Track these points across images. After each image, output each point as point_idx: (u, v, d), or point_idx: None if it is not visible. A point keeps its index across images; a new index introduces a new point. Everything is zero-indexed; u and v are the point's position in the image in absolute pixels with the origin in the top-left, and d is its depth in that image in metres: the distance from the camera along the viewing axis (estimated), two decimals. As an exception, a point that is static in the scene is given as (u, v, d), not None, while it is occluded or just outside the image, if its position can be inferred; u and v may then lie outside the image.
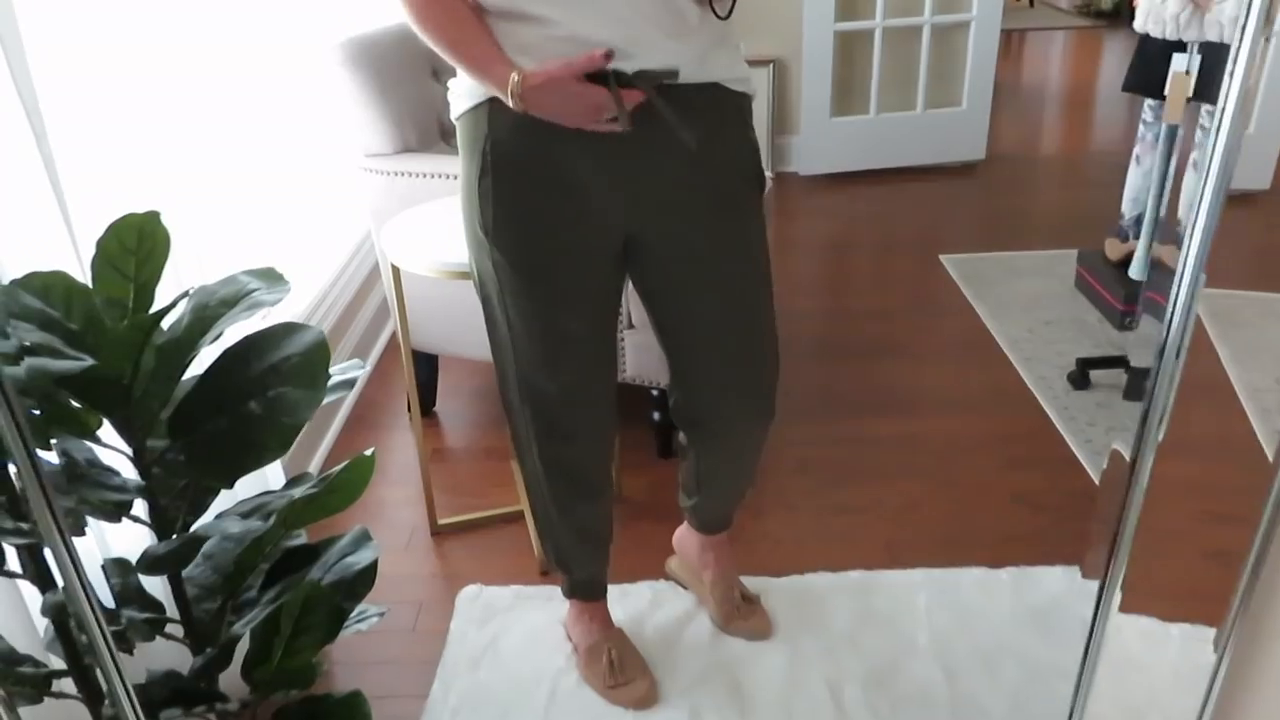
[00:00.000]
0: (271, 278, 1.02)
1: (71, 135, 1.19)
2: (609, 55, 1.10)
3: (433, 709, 1.61)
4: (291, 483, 1.03)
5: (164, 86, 1.72)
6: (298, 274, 2.36)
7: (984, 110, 4.05)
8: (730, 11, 1.10)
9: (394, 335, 2.81)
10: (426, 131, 2.27)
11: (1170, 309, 0.88)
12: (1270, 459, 2.27)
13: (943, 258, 3.26)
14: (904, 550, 1.94)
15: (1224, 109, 0.76)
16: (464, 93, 1.24)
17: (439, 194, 2.11)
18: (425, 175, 2.13)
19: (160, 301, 1.04)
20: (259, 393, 0.90)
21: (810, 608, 1.79)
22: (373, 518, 2.11)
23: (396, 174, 2.15)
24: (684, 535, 1.82)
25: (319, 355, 0.90)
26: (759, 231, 1.35)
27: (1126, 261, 2.78)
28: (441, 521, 2.05)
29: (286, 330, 0.94)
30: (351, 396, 2.55)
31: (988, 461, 2.20)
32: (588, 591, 1.67)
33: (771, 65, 3.93)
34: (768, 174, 1.32)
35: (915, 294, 3.06)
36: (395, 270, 1.81)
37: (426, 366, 2.44)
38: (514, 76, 1.14)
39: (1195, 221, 0.81)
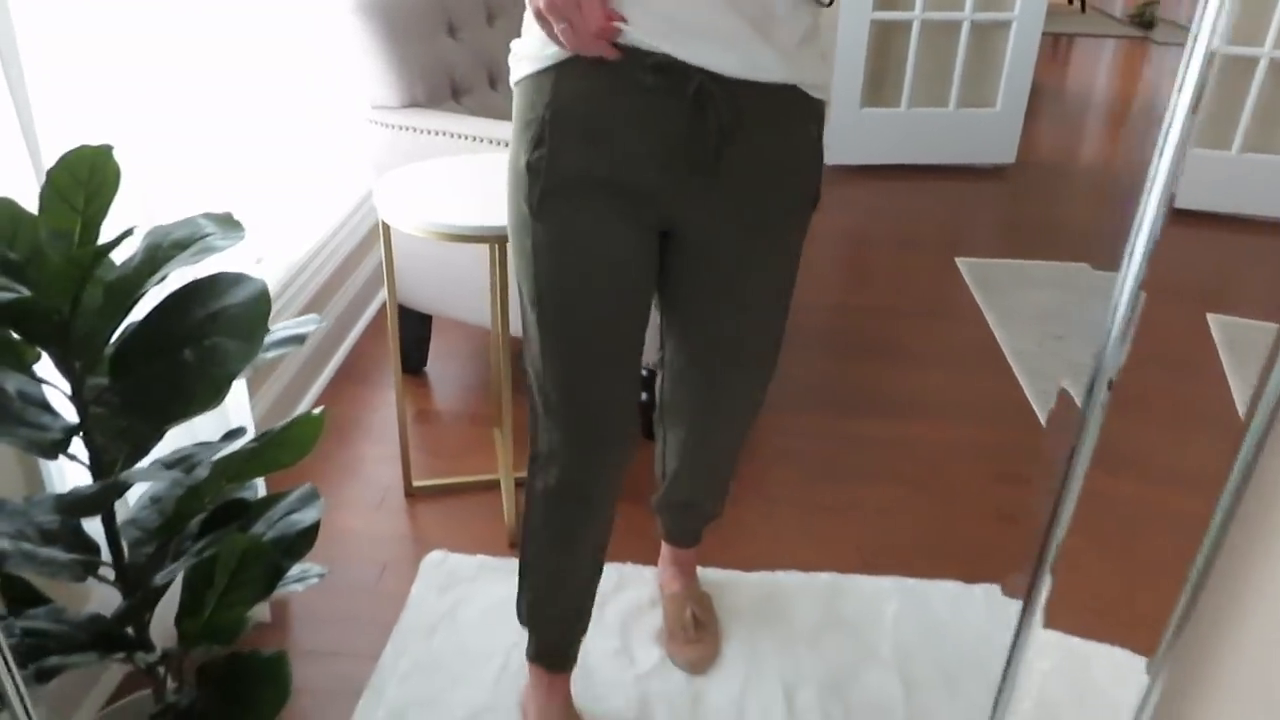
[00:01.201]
0: (228, 224, 0.99)
1: (48, 60, 1.16)
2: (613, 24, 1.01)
3: (381, 671, 1.60)
4: (229, 435, 1.00)
5: (159, 19, 1.69)
6: (296, 223, 2.33)
7: (1018, 113, 3.96)
8: (832, 0, 1.00)
9: (394, 291, 2.79)
10: (436, 89, 2.22)
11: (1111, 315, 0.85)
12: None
13: (958, 260, 3.19)
14: (879, 556, 1.91)
15: (1169, 125, 0.74)
16: (528, 54, 1.10)
17: (443, 152, 2.08)
18: (430, 132, 2.09)
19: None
20: (195, 340, 0.87)
21: (776, 607, 1.76)
22: (350, 474, 2.09)
23: (401, 128, 2.12)
24: (663, 551, 1.76)
25: (258, 308, 0.87)
26: (796, 255, 1.28)
27: (1144, 281, 2.71)
28: (416, 483, 2.03)
29: (230, 280, 0.91)
30: (344, 348, 2.53)
31: (975, 473, 2.16)
32: (555, 658, 1.48)
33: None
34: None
35: (926, 295, 3.00)
36: (385, 227, 1.78)
37: (419, 325, 2.41)
38: None
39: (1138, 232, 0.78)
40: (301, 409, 2.27)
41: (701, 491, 1.60)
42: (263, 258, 2.18)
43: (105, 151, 0.93)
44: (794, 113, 1.13)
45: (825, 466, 2.15)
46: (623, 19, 1.02)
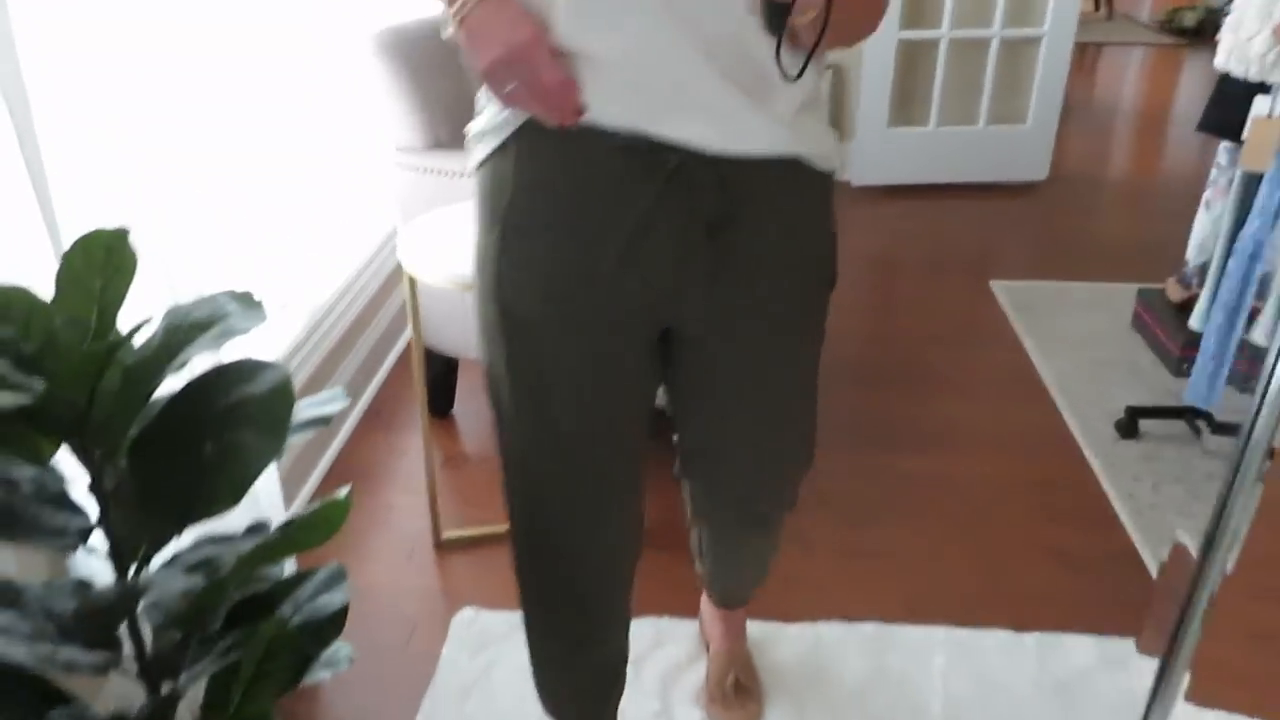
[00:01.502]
0: (248, 304, 0.96)
1: (63, 131, 1.13)
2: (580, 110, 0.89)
3: (415, 739, 1.55)
4: (252, 530, 0.96)
5: (176, 70, 1.67)
6: (320, 265, 2.30)
7: (1049, 130, 3.89)
8: (802, 72, 0.83)
9: (420, 329, 2.76)
10: (459, 128, 2.19)
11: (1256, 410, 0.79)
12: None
13: (993, 284, 3.12)
14: (925, 603, 1.84)
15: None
16: (483, 131, 0.98)
17: (468, 194, 2.04)
18: (454, 174, 2.05)
19: (127, 324, 0.98)
20: (216, 434, 0.83)
21: (819, 661, 1.69)
22: (377, 524, 2.05)
23: (426, 170, 2.08)
24: (705, 603, 1.68)
25: (282, 400, 0.83)
26: (818, 338, 1.14)
27: (1189, 304, 2.63)
28: (446, 535, 1.99)
29: (252, 368, 0.87)
30: (369, 391, 2.50)
31: (1022, 511, 2.09)
32: None
33: (830, 70, 3.80)
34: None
35: (961, 321, 2.93)
36: (411, 280, 1.74)
37: (444, 367, 2.38)
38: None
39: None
40: (328, 456, 2.24)
41: (741, 582, 1.53)
42: (288, 303, 2.15)
43: (121, 235, 0.90)
44: (797, 188, 1.00)
45: (865, 508, 2.09)
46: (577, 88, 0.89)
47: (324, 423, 0.98)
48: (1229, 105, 1.97)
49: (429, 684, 1.65)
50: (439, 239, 1.73)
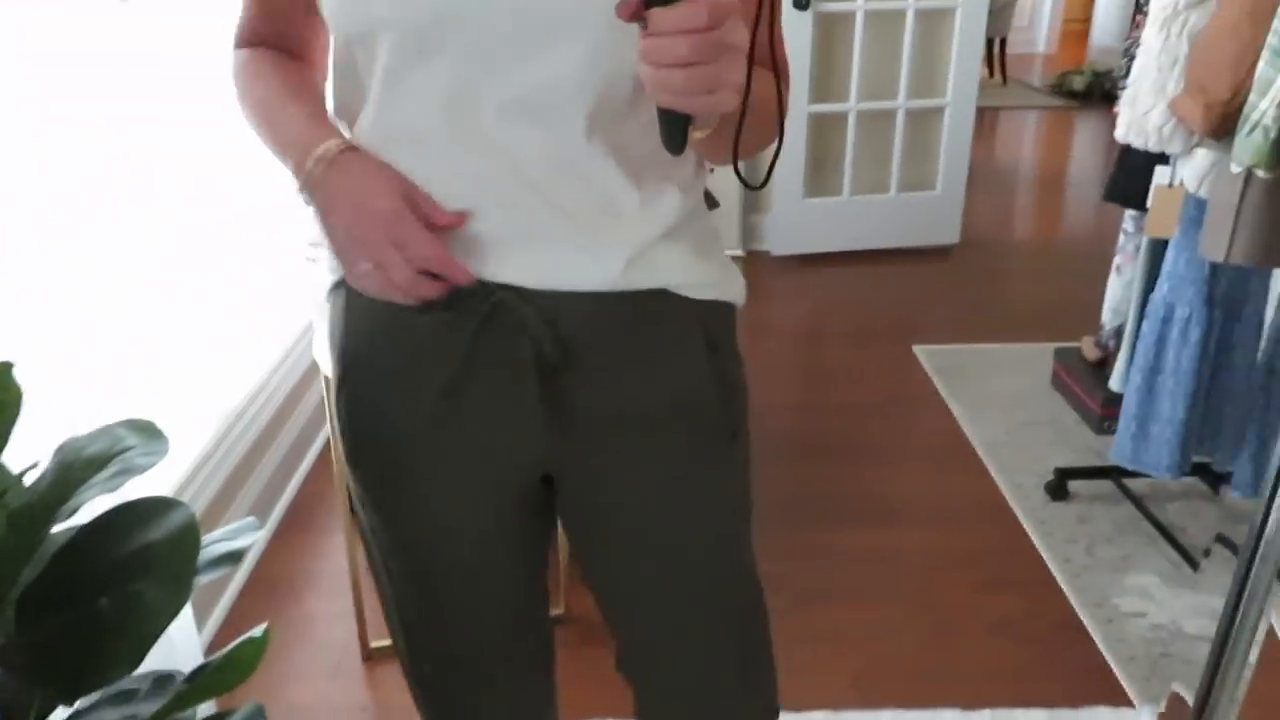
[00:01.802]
0: (149, 434, 0.88)
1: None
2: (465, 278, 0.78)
3: None
4: (160, 681, 0.88)
5: (56, 164, 1.59)
6: (231, 367, 2.21)
7: (958, 195, 4.00)
8: (683, 146, 0.67)
9: (340, 423, 2.66)
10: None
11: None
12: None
13: (916, 349, 3.16)
14: (874, 686, 1.80)
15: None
16: (323, 254, 0.87)
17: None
18: (371, 267, 1.99)
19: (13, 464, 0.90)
20: (113, 586, 0.76)
21: (771, 757, 1.63)
22: (300, 637, 1.94)
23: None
24: None
25: (185, 545, 0.76)
26: (734, 506, 0.93)
27: (1104, 361, 2.69)
28: (374, 645, 1.89)
29: (152, 508, 0.79)
30: (289, 491, 2.39)
31: (964, 583, 2.07)
32: None
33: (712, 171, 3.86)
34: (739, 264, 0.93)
35: (888, 388, 2.95)
36: (328, 380, 1.68)
37: (370, 463, 2.28)
38: (333, 144, 0.78)
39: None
40: (245, 564, 2.12)
41: None
42: (197, 409, 2.05)
43: (5, 369, 0.82)
44: (659, 327, 0.84)
45: (807, 589, 2.05)
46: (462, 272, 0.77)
47: (236, 559, 0.90)
48: (1132, 175, 2.04)
49: (361, 814, 1.54)
50: (357, 337, 1.66)
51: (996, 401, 2.80)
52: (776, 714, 1.02)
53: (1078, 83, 7.28)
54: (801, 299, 3.66)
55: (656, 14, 0.62)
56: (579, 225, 0.79)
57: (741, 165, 0.80)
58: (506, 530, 0.92)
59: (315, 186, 0.78)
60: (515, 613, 0.98)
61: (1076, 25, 9.65)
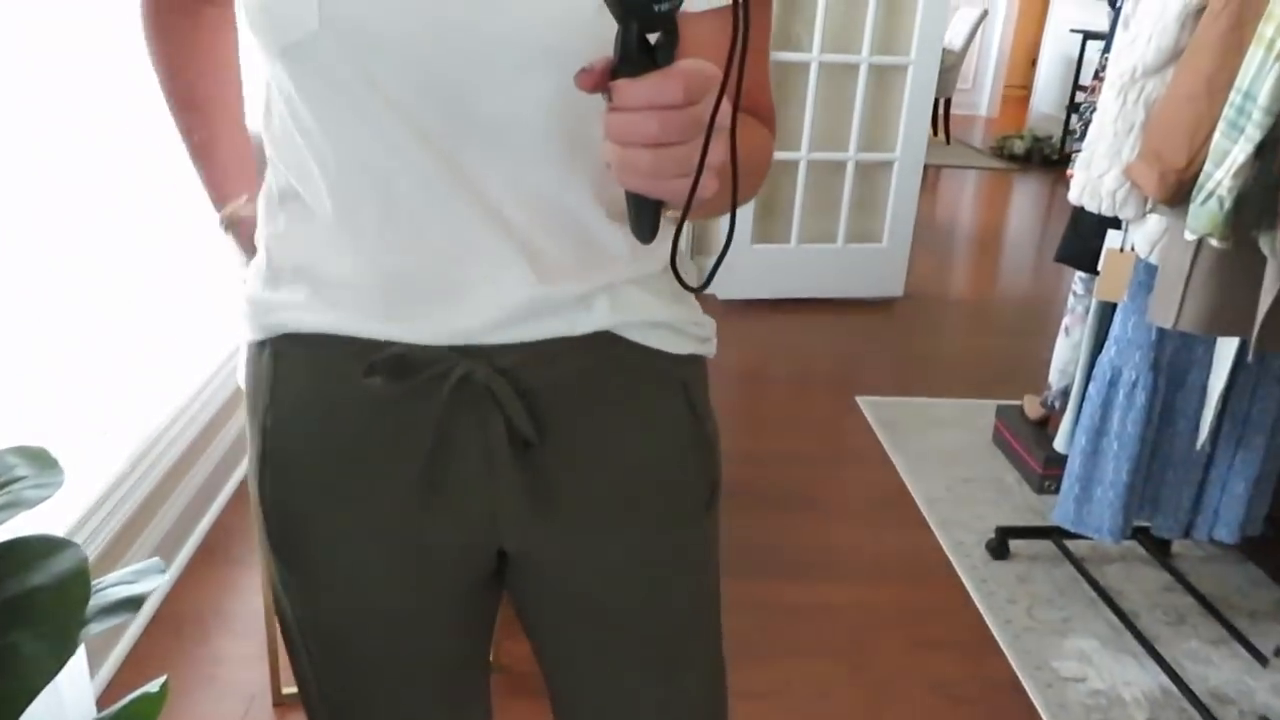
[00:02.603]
0: (43, 462, 0.79)
1: None
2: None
3: None
4: (33, 743, 0.78)
5: None
6: (149, 388, 2.09)
7: (904, 248, 4.03)
8: (652, 234, 0.58)
9: (264, 452, 2.54)
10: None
11: None
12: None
13: (859, 399, 3.15)
14: (812, 748, 1.74)
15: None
16: (242, 301, 0.77)
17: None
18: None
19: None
20: (-15, 638, 0.67)
21: (705, 823, 1.56)
22: (207, 680, 1.81)
23: (275, 286, 1.92)
24: None
25: (74, 592, 0.67)
26: (696, 568, 0.86)
27: (1045, 421, 2.70)
28: (286, 691, 1.77)
29: (37, 548, 0.70)
30: (205, 522, 2.26)
31: (903, 641, 2.03)
32: None
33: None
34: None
35: (831, 438, 2.92)
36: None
37: (294, 496, 2.17)
38: (237, 206, 0.86)
39: None
40: (161, 589, 1.99)
41: None
42: (109, 430, 1.93)
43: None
44: (645, 390, 0.78)
45: (746, 644, 1.98)
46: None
47: (135, 606, 0.81)
48: (1083, 238, 2.05)
49: None
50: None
51: (938, 456, 2.79)
52: None
53: (1018, 146, 7.47)
54: (745, 344, 3.63)
55: (622, 86, 0.52)
56: (555, 268, 0.71)
57: (683, 247, 0.74)
58: (466, 610, 0.84)
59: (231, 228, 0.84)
60: (466, 690, 0.91)
61: (1017, 91, 9.94)
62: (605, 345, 0.74)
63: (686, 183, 0.54)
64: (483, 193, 0.68)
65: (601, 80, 0.53)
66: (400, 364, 0.70)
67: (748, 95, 0.66)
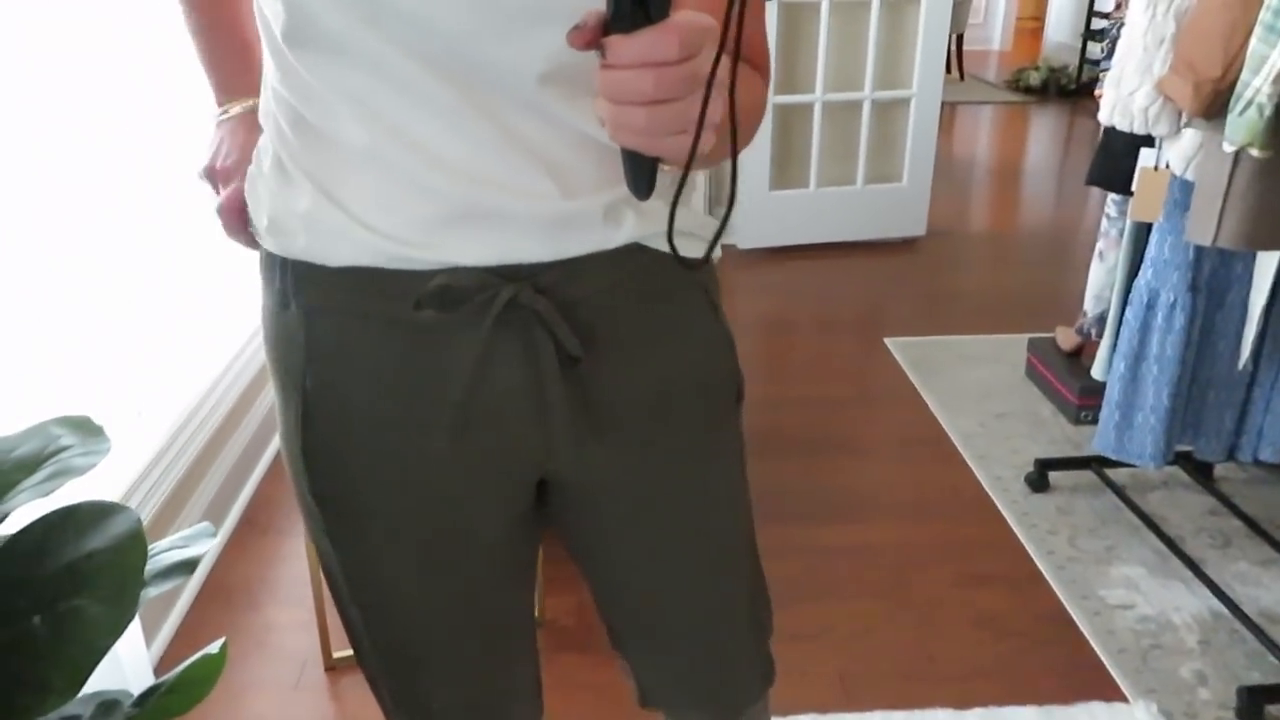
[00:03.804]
0: (88, 431, 0.79)
1: None
2: None
3: None
4: (104, 707, 0.78)
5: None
6: (183, 363, 2.09)
7: (924, 187, 3.97)
8: (649, 190, 0.58)
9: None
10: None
11: None
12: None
13: (888, 341, 3.12)
14: (861, 685, 1.74)
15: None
16: (264, 232, 0.74)
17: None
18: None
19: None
20: (47, 603, 0.67)
21: (760, 763, 1.57)
22: (259, 647, 1.84)
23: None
24: None
25: (131, 556, 0.67)
26: (733, 464, 0.89)
27: (1079, 351, 2.67)
28: (338, 654, 1.79)
29: (93, 513, 0.70)
30: (245, 493, 2.28)
31: (946, 577, 2.02)
32: None
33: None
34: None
35: (860, 381, 2.90)
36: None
37: (330, 464, 2.18)
38: (232, 109, 0.86)
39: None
40: (199, 571, 2.01)
41: None
42: (143, 410, 1.93)
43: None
44: (674, 292, 0.79)
45: (789, 587, 1.98)
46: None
47: (189, 569, 0.81)
48: (1115, 159, 2.00)
49: (327, 836, 1.45)
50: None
51: (970, 393, 2.76)
52: (773, 680, 1.00)
53: (1034, 78, 7.34)
54: (768, 292, 3.60)
55: (615, 42, 0.50)
56: (580, 183, 0.70)
57: (696, 204, 0.73)
58: (511, 550, 0.85)
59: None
60: (515, 641, 0.91)
61: (1030, 23, 9.75)
62: (634, 256, 0.74)
63: (684, 140, 0.53)
64: (498, 116, 0.67)
65: (594, 37, 0.51)
66: (448, 294, 0.68)
67: (745, 44, 0.64)
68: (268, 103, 0.73)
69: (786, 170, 3.90)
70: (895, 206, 3.99)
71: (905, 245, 4.04)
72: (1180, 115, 1.72)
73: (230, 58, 0.87)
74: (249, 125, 0.84)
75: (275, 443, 2.47)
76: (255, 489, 2.32)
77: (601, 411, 0.77)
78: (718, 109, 0.53)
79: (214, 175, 0.85)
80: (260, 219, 0.75)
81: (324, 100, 0.67)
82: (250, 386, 2.35)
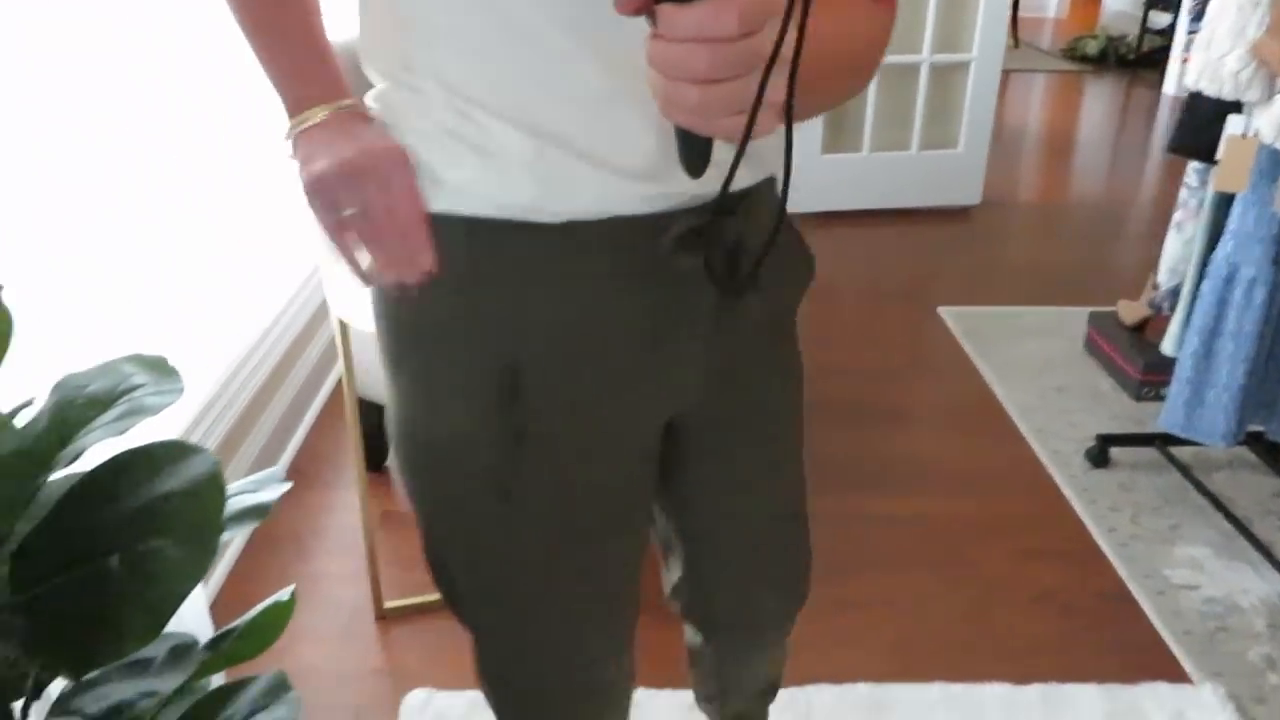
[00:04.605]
0: (161, 371, 0.77)
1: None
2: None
3: None
4: (176, 652, 0.77)
5: (49, 87, 1.46)
6: (232, 313, 2.08)
7: (981, 153, 3.87)
8: (703, 169, 0.54)
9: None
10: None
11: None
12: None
13: (941, 311, 3.05)
14: (916, 657, 1.71)
15: None
16: (455, 189, 0.68)
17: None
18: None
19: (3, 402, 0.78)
20: (124, 544, 0.65)
21: (813, 732, 1.55)
22: (311, 596, 1.84)
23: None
24: None
25: (209, 499, 0.64)
26: (801, 365, 0.96)
27: (1142, 325, 2.59)
28: (389, 604, 1.78)
29: (169, 453, 0.68)
30: (293, 444, 2.28)
31: (1004, 551, 1.98)
32: None
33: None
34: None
35: (912, 351, 2.84)
36: (343, 324, 1.56)
37: (377, 416, 2.16)
38: (320, 113, 0.71)
39: None
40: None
41: (761, 703, 1.25)
42: (196, 355, 1.93)
43: (-7, 290, 0.70)
44: (786, 217, 0.85)
45: (843, 556, 1.95)
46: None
47: (261, 514, 0.79)
48: (1200, 125, 1.92)
49: (378, 787, 1.45)
50: (375, 279, 1.54)
51: (1027, 365, 2.69)
52: (805, 600, 1.07)
53: (1091, 47, 7.12)
54: (818, 258, 3.52)
55: (668, 11, 0.44)
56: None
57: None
58: (647, 481, 0.85)
59: (306, 131, 0.72)
60: (633, 573, 0.90)
61: (1088, -11, 9.45)
62: (763, 187, 0.78)
63: (739, 121, 0.48)
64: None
65: (644, 2, 0.46)
66: (688, 233, 0.68)
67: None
68: (436, 66, 0.66)
69: (839, 134, 3.81)
70: (950, 173, 3.90)
71: (959, 213, 3.95)
72: (1274, 80, 1.64)
73: (309, 52, 0.76)
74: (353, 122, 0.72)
75: (323, 395, 2.47)
76: (303, 441, 2.32)
77: (742, 343, 0.82)
78: (782, 87, 0.48)
79: (340, 185, 0.69)
80: (447, 194, 0.68)
81: (560, 46, 0.62)
82: (298, 340, 2.34)
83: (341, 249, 0.71)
